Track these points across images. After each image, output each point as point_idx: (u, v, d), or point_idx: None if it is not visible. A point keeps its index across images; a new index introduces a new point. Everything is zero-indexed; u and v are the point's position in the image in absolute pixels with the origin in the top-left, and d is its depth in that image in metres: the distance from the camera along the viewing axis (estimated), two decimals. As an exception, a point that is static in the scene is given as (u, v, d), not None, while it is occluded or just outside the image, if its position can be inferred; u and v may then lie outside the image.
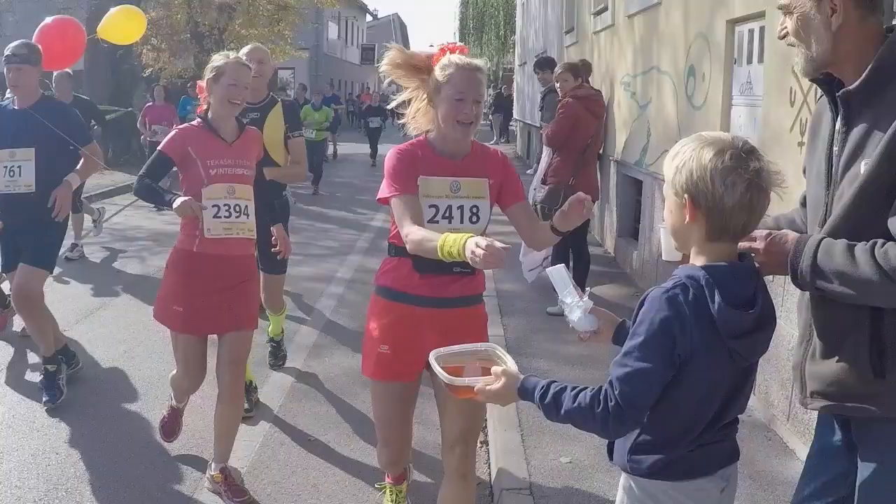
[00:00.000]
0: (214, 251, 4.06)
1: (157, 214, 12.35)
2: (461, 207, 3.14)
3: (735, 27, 5.87)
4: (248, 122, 4.63)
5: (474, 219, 3.16)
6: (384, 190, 3.10)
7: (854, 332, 2.18)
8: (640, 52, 8.63)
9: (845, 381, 2.21)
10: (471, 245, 2.53)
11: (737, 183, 1.88)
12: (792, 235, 2.20)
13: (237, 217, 4.09)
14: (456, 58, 3.10)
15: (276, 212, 4.83)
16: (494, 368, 2.23)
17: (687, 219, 1.97)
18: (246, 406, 4.77)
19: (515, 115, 27.52)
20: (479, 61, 3.15)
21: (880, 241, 2.04)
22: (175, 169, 4.14)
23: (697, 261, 2.00)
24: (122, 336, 6.55)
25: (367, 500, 4.18)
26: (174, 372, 4.39)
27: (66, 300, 7.59)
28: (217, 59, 4.19)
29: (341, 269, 9.32)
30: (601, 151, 9.45)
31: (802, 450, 4.27)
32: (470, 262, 2.56)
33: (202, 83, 4.23)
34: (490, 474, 4.42)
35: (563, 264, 2.45)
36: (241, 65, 4.18)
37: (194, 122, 4.28)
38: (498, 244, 2.48)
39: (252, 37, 23.92)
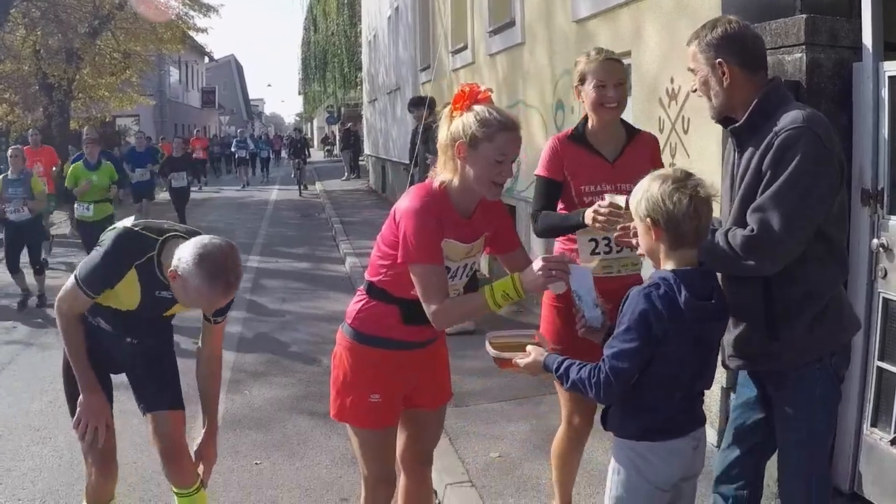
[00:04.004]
0: None
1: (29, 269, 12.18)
2: (466, 265, 3.11)
3: (601, 65, 6.61)
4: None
5: (470, 272, 3.17)
6: (410, 254, 2.87)
7: (752, 306, 2.87)
8: (505, 87, 9.33)
9: (751, 343, 2.91)
10: (531, 278, 2.74)
11: (682, 199, 2.48)
12: None
13: None
14: (497, 114, 2.87)
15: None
16: (528, 347, 2.80)
17: (653, 237, 2.56)
18: None
19: (367, 150, 28.05)
20: (516, 117, 2.97)
21: (734, 227, 2.78)
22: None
23: (667, 266, 2.58)
24: (42, 386, 6.63)
25: (326, 508, 4.60)
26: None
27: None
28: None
29: (232, 310, 9.51)
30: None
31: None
32: (534, 289, 2.79)
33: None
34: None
35: (589, 268, 3.00)
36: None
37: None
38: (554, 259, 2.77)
39: (101, 86, 23.74)
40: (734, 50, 2.82)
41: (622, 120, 3.72)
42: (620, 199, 3.23)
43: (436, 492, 4.62)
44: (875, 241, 3.76)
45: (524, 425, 5.39)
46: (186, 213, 15.75)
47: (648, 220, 2.55)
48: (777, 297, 2.82)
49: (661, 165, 3.62)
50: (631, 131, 3.73)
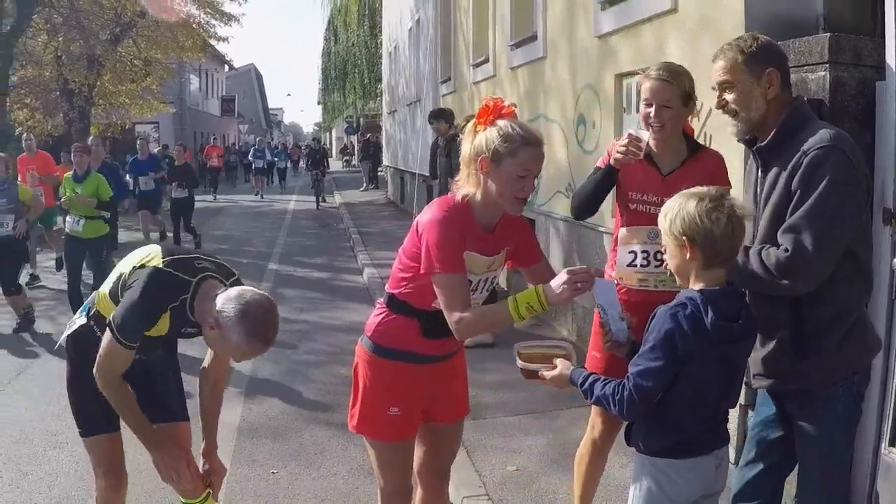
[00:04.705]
0: None
1: (51, 273, 12.25)
2: (487, 279, 3.10)
3: (623, 80, 6.63)
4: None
5: (490, 286, 3.16)
6: (433, 264, 2.86)
7: (780, 326, 2.88)
8: (526, 100, 9.32)
9: (781, 363, 2.91)
10: (555, 291, 2.69)
11: (720, 217, 2.48)
12: None
13: None
14: (520, 129, 2.86)
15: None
16: (555, 360, 2.79)
17: (687, 256, 2.55)
18: None
19: (386, 161, 28.08)
20: (539, 133, 2.95)
21: (767, 245, 2.79)
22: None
23: (695, 286, 2.58)
24: (59, 391, 6.51)
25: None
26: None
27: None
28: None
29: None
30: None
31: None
32: (558, 302, 2.74)
33: None
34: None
35: (614, 282, 2.99)
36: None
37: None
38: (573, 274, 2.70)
39: (121, 93, 23.90)
40: (780, 61, 2.85)
41: (687, 136, 3.69)
42: (644, 134, 3.31)
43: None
44: (896, 260, 3.75)
45: (541, 439, 5.39)
46: (196, 221, 15.54)
47: (684, 238, 2.53)
48: (807, 317, 2.83)
49: (726, 184, 3.47)
50: (694, 147, 3.68)
